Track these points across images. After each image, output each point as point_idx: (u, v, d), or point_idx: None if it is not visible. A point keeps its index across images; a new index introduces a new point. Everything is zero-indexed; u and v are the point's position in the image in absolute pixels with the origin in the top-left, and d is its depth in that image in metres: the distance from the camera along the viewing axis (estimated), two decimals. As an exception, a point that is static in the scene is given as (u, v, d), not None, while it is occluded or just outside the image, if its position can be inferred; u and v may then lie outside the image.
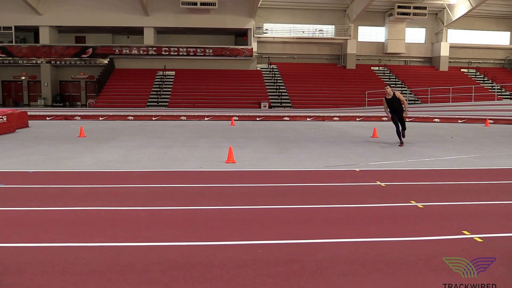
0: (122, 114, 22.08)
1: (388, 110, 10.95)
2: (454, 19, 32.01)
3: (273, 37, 32.64)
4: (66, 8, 29.46)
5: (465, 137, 13.68)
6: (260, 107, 27.60)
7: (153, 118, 21.60)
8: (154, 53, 31.05)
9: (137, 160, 8.53)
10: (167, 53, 31.07)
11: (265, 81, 31.49)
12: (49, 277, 3.11)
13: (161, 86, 30.01)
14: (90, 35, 32.36)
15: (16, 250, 3.68)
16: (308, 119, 22.23)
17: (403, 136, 10.97)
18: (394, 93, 10.74)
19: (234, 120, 20.24)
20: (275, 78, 31.66)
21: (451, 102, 25.19)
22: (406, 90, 29.99)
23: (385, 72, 33.73)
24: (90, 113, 22.38)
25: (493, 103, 24.08)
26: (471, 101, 24.46)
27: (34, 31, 31.20)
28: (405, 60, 35.29)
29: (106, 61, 30.77)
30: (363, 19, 32.23)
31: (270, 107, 27.85)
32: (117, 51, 30.99)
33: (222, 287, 3.00)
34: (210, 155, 9.26)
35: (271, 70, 32.80)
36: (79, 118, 21.32)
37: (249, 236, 4.04)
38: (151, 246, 3.77)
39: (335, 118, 22.36)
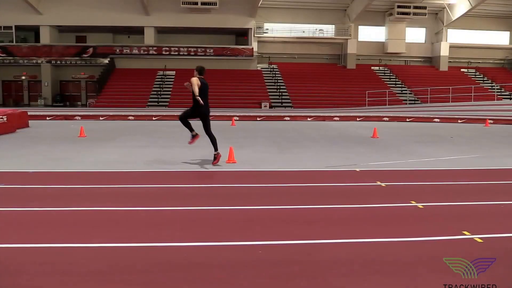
0: (123, 114, 22.07)
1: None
2: (454, 19, 31.97)
3: (274, 37, 32.61)
4: (67, 8, 29.43)
5: (465, 137, 13.67)
6: (260, 107, 27.59)
7: (154, 118, 21.60)
8: (154, 52, 31.03)
9: (137, 160, 8.52)
10: (167, 52, 31.05)
11: (266, 81, 31.47)
12: (49, 277, 3.11)
13: (161, 86, 30.00)
14: (91, 34, 32.33)
15: (16, 250, 3.68)
16: (308, 119, 22.23)
17: (215, 150, 7.84)
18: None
19: (235, 120, 20.23)
20: (276, 78, 31.65)
21: (451, 102, 25.17)
22: (406, 90, 30.00)
23: (385, 72, 33.71)
24: (91, 113, 22.38)
25: (493, 103, 24.07)
26: (471, 101, 24.45)
27: (35, 31, 31.15)
28: (405, 60, 35.25)
29: (106, 61, 30.75)
30: (363, 18, 32.20)
31: (270, 107, 27.85)
32: (117, 50, 30.98)
33: (222, 287, 3.00)
34: (210, 155, 9.22)
35: (272, 70, 32.77)
36: (80, 118, 21.32)
37: (249, 236, 4.03)
38: (151, 246, 3.76)
39: (336, 118, 22.36)
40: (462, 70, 34.91)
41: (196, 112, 7.70)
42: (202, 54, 31.36)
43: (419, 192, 5.83)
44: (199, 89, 7.39)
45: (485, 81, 32.94)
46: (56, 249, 3.69)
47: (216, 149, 7.83)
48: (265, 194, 5.78)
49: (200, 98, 7.25)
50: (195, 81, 7.42)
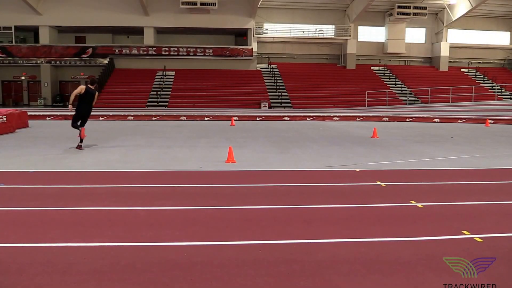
0: (122, 114, 22.07)
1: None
2: (454, 19, 32.00)
3: (273, 37, 32.64)
4: (66, 8, 29.47)
5: (465, 137, 13.68)
6: (260, 107, 27.60)
7: (153, 118, 21.60)
8: (154, 53, 31.04)
9: (137, 160, 8.53)
10: (167, 53, 31.07)
11: (265, 81, 31.48)
12: (49, 277, 3.11)
13: (161, 86, 30.01)
14: (90, 35, 32.36)
15: (16, 250, 3.68)
16: (308, 119, 22.23)
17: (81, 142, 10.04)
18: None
19: (234, 120, 20.23)
20: (275, 78, 31.65)
21: (451, 102, 25.19)
22: (406, 90, 30.01)
23: (385, 72, 33.72)
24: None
25: (493, 103, 24.08)
26: (471, 101, 24.47)
27: (34, 31, 31.19)
28: (405, 60, 35.27)
29: (106, 61, 30.76)
30: (363, 19, 32.22)
31: (270, 107, 27.85)
32: (117, 51, 30.99)
33: (222, 287, 3.00)
34: (210, 155, 9.26)
35: (271, 70, 32.79)
36: (79, 118, 21.27)
37: (249, 236, 4.03)
38: (151, 246, 3.77)
39: (335, 118, 22.36)
40: (462, 70, 34.94)
41: (80, 113, 10.00)
42: (202, 54, 31.37)
43: (419, 192, 5.83)
44: (82, 95, 9.74)
45: (485, 81, 32.96)
46: (56, 248, 3.69)
47: (81, 141, 9.96)
48: (265, 194, 5.78)
49: (70, 106, 10.48)
50: (79, 89, 9.75)
